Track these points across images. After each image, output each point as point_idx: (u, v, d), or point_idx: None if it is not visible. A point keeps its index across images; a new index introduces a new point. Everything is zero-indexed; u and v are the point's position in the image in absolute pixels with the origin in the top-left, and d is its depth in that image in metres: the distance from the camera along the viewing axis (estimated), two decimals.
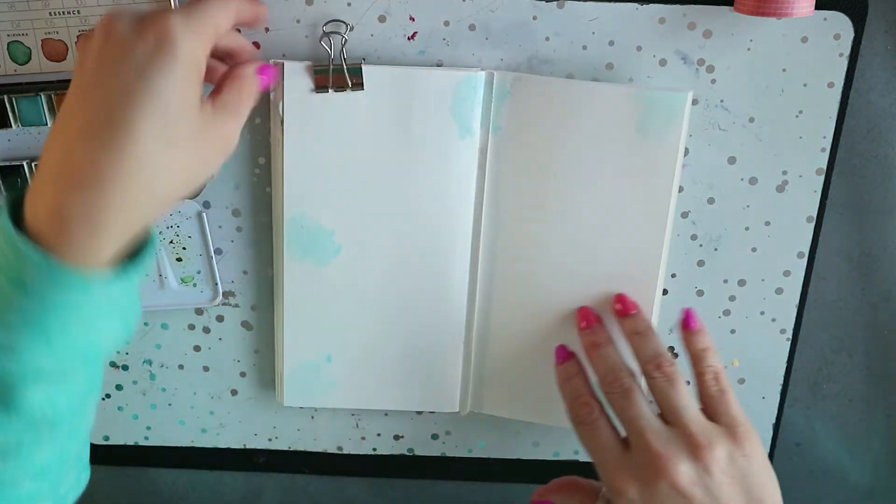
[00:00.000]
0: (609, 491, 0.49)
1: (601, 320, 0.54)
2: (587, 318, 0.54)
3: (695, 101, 0.53)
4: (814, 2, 0.48)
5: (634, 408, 0.49)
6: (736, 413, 0.49)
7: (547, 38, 0.52)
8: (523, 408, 0.59)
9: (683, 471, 0.46)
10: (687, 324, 0.53)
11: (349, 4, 0.51)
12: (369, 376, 0.58)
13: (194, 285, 0.57)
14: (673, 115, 0.51)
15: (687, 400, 0.49)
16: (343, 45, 0.51)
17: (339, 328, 0.57)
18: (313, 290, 0.55)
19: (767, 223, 0.56)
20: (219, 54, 0.47)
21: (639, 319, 0.53)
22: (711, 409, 0.49)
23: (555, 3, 0.51)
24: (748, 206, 0.55)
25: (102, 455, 0.63)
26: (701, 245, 0.56)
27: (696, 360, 0.52)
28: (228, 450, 0.63)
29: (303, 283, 0.55)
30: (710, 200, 0.55)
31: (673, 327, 0.57)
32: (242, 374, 0.61)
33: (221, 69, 0.46)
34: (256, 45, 0.51)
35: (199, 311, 0.59)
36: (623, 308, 0.54)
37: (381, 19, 0.51)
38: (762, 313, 0.58)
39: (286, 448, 0.63)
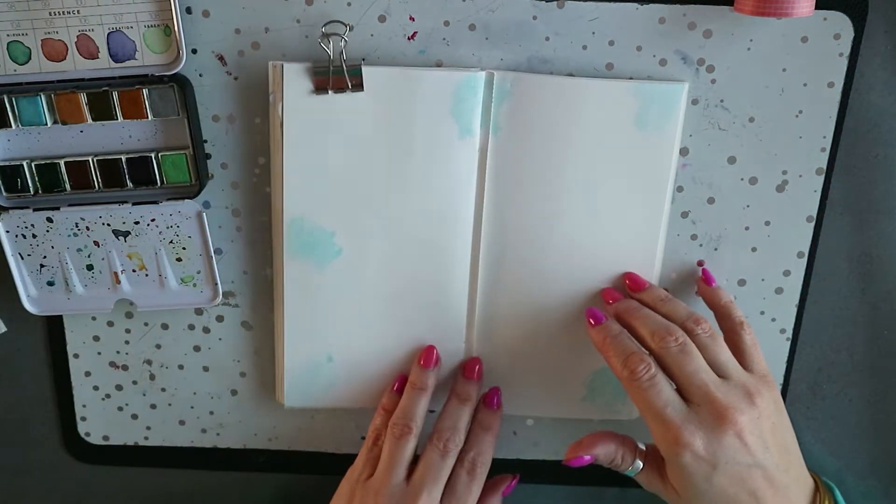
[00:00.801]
0: (669, 446, 0.48)
1: (624, 295, 0.55)
2: (612, 295, 0.55)
3: (695, 101, 0.53)
4: (814, 2, 0.48)
5: (693, 362, 0.49)
6: (765, 364, 0.51)
7: (547, 38, 0.52)
8: (524, 402, 0.59)
9: (745, 420, 0.47)
10: (708, 280, 0.55)
11: (349, 4, 0.51)
12: (371, 375, 0.58)
13: (194, 285, 0.57)
14: (670, 106, 0.52)
15: (729, 353, 0.51)
16: (343, 47, 0.50)
17: (340, 328, 0.56)
18: (314, 292, 0.55)
19: (767, 223, 0.56)
20: None
21: (656, 289, 0.55)
22: (747, 359, 0.51)
23: (555, 3, 0.51)
24: (748, 206, 0.55)
25: (102, 455, 0.63)
26: (701, 245, 0.56)
27: (726, 312, 0.53)
28: (228, 450, 0.63)
29: (303, 285, 0.55)
30: (710, 200, 0.55)
31: None
32: (242, 374, 0.60)
33: None
34: (255, 45, 0.52)
35: (199, 311, 0.59)
36: (635, 284, 0.55)
37: (381, 19, 0.51)
38: (762, 313, 0.58)
39: (286, 448, 0.63)
